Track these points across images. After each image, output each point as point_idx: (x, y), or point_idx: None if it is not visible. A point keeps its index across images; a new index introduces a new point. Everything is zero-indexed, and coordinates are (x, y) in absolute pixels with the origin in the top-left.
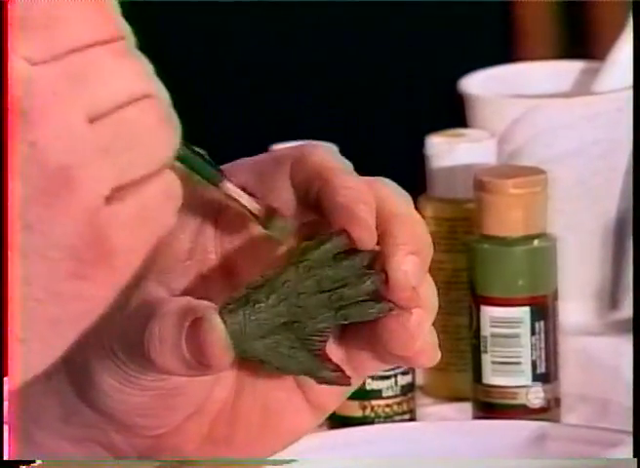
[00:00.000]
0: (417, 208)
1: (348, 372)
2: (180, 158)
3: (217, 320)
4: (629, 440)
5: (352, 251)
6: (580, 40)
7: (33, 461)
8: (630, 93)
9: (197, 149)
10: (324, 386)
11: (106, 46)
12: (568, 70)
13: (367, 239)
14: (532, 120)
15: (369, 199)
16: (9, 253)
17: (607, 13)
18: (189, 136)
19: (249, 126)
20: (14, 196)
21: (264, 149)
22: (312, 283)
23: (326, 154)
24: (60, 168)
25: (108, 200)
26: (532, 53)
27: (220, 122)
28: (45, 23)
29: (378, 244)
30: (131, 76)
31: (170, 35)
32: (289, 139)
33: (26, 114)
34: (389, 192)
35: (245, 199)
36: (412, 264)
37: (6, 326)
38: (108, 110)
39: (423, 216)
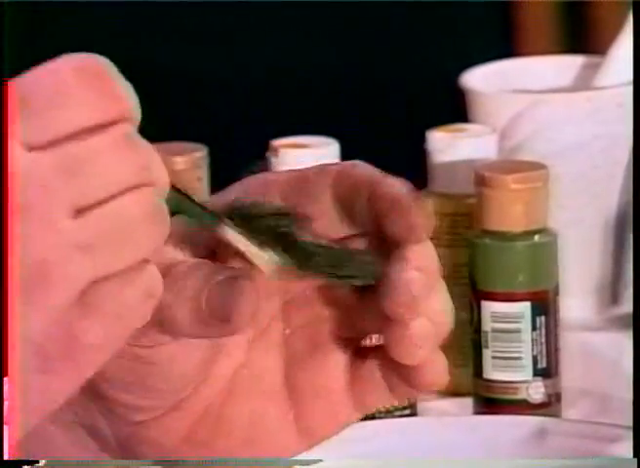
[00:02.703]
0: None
1: (351, 404)
2: (173, 205)
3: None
4: (630, 435)
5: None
6: (581, 35)
7: (36, 461)
8: (631, 88)
9: (191, 195)
10: (318, 412)
11: (104, 133)
12: (569, 65)
13: (415, 233)
14: (533, 115)
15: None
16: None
17: (608, 7)
18: (190, 135)
19: (248, 122)
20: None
21: (264, 145)
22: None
23: (370, 167)
24: (39, 262)
25: (83, 292)
26: (533, 48)
27: (220, 120)
28: (44, 106)
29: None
30: (124, 168)
31: (170, 35)
32: (289, 135)
33: (9, 205)
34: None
35: (242, 243)
36: (417, 275)
37: (6, 326)
38: (95, 203)
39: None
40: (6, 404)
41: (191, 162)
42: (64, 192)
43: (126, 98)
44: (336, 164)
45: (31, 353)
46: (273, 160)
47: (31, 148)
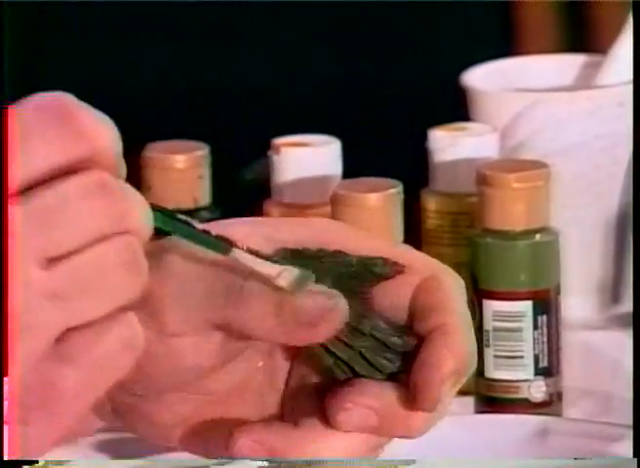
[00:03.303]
0: (419, 202)
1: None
2: (183, 235)
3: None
4: (631, 434)
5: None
6: (582, 34)
7: (36, 461)
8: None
9: (198, 225)
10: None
11: (77, 178)
12: (570, 64)
13: (431, 407)
14: (534, 114)
15: (464, 368)
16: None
17: (609, 6)
18: (191, 134)
19: (250, 121)
20: None
21: (266, 143)
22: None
23: (454, 287)
24: (11, 311)
25: (58, 341)
26: (534, 47)
27: (221, 118)
28: (10, 152)
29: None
30: (96, 217)
31: (170, 34)
32: (290, 133)
33: None
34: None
35: (257, 264)
36: (449, 380)
37: (6, 326)
38: (67, 253)
39: (426, 210)
40: (6, 404)
41: (193, 160)
42: (34, 242)
43: (96, 137)
44: (424, 260)
45: (12, 404)
46: (275, 158)
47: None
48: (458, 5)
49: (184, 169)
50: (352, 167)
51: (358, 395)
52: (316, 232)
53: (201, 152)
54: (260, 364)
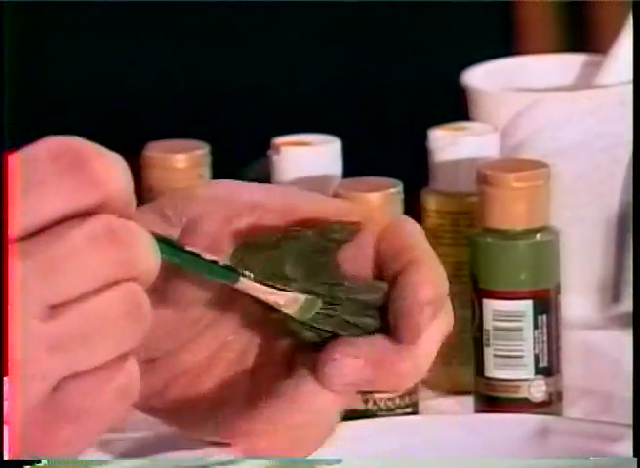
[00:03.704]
0: (419, 201)
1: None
2: (191, 266)
3: None
4: (631, 433)
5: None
6: (583, 33)
7: (37, 461)
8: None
9: (200, 253)
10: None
11: (85, 225)
12: (571, 63)
13: (409, 337)
14: (534, 113)
15: (440, 297)
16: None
17: (609, 6)
18: (191, 133)
19: (250, 120)
20: None
21: (266, 142)
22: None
23: (417, 232)
24: (14, 362)
25: (55, 389)
26: (534, 46)
27: (221, 118)
28: (19, 195)
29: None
30: (102, 265)
31: (171, 34)
32: (291, 133)
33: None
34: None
35: (264, 292)
36: (427, 308)
37: (6, 326)
38: (71, 301)
39: (426, 210)
40: (6, 404)
41: (193, 160)
42: (38, 291)
43: (110, 183)
44: (376, 211)
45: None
46: (275, 158)
47: (8, 241)
48: (458, 5)
49: (184, 168)
50: (352, 167)
51: (347, 346)
52: (273, 200)
53: (201, 152)
54: (231, 338)
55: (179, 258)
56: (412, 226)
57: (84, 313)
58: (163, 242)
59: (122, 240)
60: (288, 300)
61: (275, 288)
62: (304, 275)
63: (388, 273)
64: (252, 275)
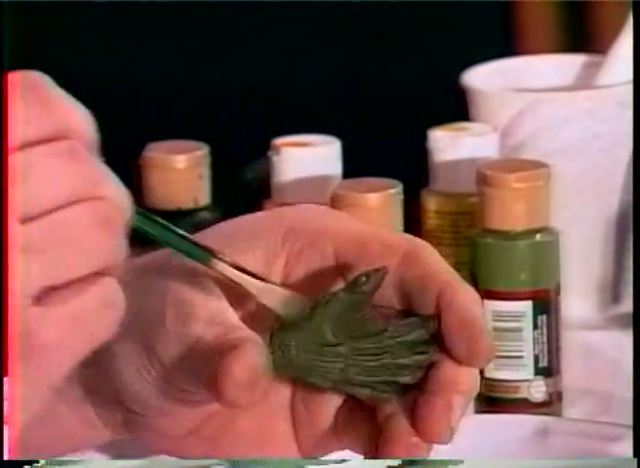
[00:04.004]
0: (419, 202)
1: (334, 441)
2: (165, 241)
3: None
4: (631, 434)
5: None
6: (582, 34)
7: (36, 461)
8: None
9: (181, 232)
10: (306, 439)
11: (49, 145)
12: (570, 64)
13: (482, 359)
14: (534, 114)
15: (483, 313)
16: None
17: (609, 6)
18: (191, 133)
19: (250, 120)
20: None
21: (266, 143)
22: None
23: (437, 255)
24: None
25: (39, 299)
26: (534, 46)
27: (221, 118)
28: None
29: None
30: (69, 178)
31: (171, 34)
32: (290, 133)
33: None
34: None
35: (238, 277)
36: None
37: (6, 326)
38: (41, 212)
39: (426, 210)
40: (6, 404)
41: (192, 160)
42: (16, 196)
43: (67, 113)
44: (400, 238)
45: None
46: (275, 158)
47: None
48: (458, 5)
49: (184, 169)
50: (352, 167)
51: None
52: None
53: (201, 152)
54: None
55: (152, 229)
56: (429, 249)
57: (55, 223)
58: (137, 212)
59: (87, 160)
60: (262, 290)
61: (253, 277)
62: (347, 335)
63: (423, 302)
64: (226, 258)
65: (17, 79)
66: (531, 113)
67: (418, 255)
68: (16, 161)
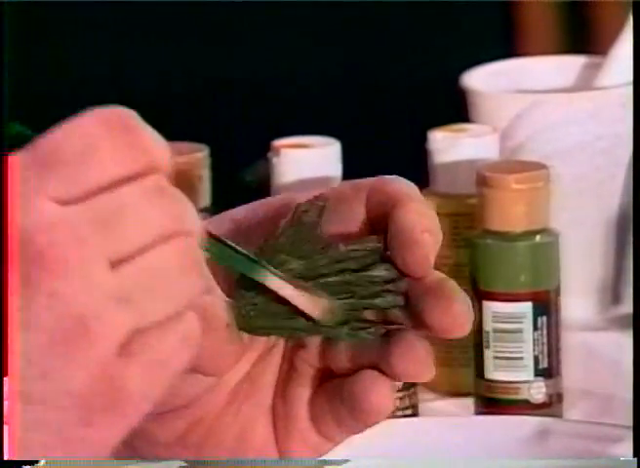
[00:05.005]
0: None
1: (316, 435)
2: (213, 254)
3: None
4: (631, 435)
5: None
6: (582, 35)
7: (36, 461)
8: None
9: (231, 243)
10: (297, 439)
11: (137, 183)
12: (570, 65)
13: (419, 267)
14: (534, 115)
15: (436, 229)
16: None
17: (609, 6)
18: (191, 135)
19: (250, 122)
20: (30, 345)
21: (266, 144)
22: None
23: (405, 184)
24: (78, 317)
25: (122, 346)
26: (534, 48)
27: (221, 119)
28: (74, 160)
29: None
30: (156, 218)
31: (171, 34)
32: (290, 135)
33: (45, 262)
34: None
35: (286, 289)
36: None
37: (6, 326)
38: (131, 255)
39: None
40: (6, 404)
41: (193, 162)
42: (100, 245)
43: (154, 149)
44: (371, 178)
45: (74, 407)
46: (274, 160)
47: (63, 203)
48: (458, 5)
49: (184, 170)
50: (352, 167)
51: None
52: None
53: (201, 153)
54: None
55: (222, 254)
56: (399, 181)
57: (145, 266)
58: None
59: (172, 196)
60: (312, 303)
61: (306, 291)
62: (301, 261)
63: (381, 224)
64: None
65: (105, 116)
66: (531, 115)
67: (382, 185)
68: (103, 202)
